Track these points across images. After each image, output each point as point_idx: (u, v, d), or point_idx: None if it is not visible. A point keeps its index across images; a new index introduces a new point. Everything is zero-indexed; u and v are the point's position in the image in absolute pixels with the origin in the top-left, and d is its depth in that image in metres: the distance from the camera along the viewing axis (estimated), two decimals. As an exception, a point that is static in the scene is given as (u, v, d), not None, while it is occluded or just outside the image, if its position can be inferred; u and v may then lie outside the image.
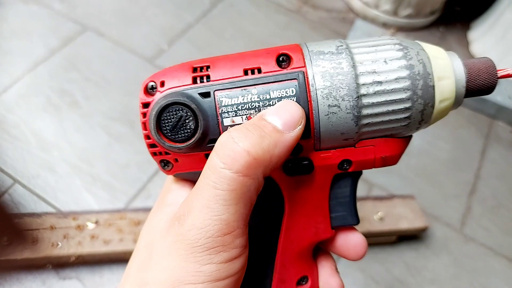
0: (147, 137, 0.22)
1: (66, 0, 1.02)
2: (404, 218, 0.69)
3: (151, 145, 0.23)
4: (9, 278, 0.64)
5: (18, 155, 0.76)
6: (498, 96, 0.90)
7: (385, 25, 1.07)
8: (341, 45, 0.22)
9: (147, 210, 0.67)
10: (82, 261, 0.64)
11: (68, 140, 0.79)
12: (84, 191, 0.73)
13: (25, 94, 0.85)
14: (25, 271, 0.65)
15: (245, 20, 1.05)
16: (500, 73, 0.22)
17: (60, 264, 0.65)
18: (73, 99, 0.85)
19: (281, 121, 0.20)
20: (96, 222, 0.65)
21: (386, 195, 0.77)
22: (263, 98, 0.21)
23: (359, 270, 0.70)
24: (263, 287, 0.26)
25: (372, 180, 0.80)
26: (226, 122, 0.21)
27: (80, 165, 0.76)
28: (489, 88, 0.22)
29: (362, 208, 0.69)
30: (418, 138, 0.88)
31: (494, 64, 0.22)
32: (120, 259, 0.65)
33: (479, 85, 0.22)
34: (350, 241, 0.27)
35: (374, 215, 0.68)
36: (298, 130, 0.20)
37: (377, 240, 0.71)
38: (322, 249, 0.28)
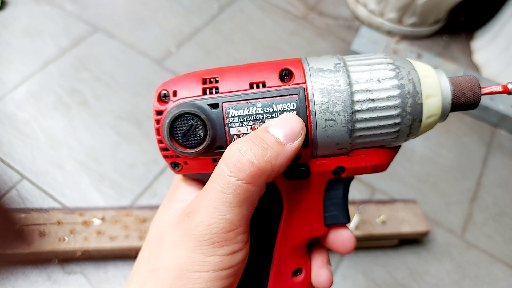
0: (160, 141, 0.24)
1: (78, 1, 1.04)
2: (406, 222, 0.70)
3: (163, 149, 0.24)
4: (15, 272, 0.65)
5: (27, 152, 0.78)
6: (500, 105, 0.91)
7: (389, 33, 1.09)
8: (339, 63, 0.23)
9: (153, 207, 0.68)
10: (88, 257, 0.65)
11: (77, 138, 0.80)
12: (92, 189, 0.74)
13: (35, 92, 0.86)
14: (31, 265, 0.66)
15: (253, 25, 1.07)
16: (484, 91, 0.24)
17: (66, 259, 0.66)
18: (83, 98, 0.86)
19: (282, 133, 0.22)
20: (103, 219, 0.66)
21: (388, 199, 0.78)
22: (267, 111, 0.23)
23: (360, 273, 0.70)
24: (262, 277, 0.28)
25: (374, 184, 0.80)
26: (233, 131, 0.23)
27: (88, 163, 0.77)
28: (474, 104, 0.24)
29: (365, 211, 0.70)
30: (421, 145, 0.89)
31: (478, 82, 0.23)
32: (125, 255, 0.66)
33: (464, 102, 0.24)
34: (340, 237, 0.29)
35: (377, 218, 0.69)
36: (298, 141, 0.22)
37: (379, 244, 0.72)
38: (317, 242, 0.30)
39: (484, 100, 0.92)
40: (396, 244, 0.73)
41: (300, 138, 0.22)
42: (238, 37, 1.04)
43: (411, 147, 0.88)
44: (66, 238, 0.63)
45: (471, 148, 0.90)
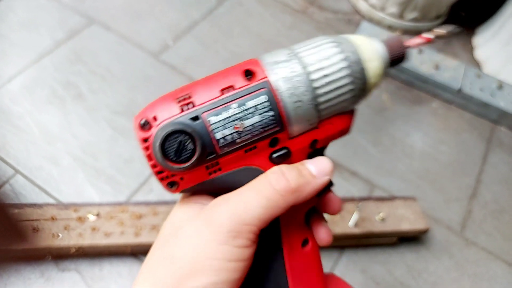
0: (154, 166, 0.26)
1: (73, -7, 1.02)
2: (406, 219, 0.69)
3: (158, 172, 0.26)
4: (7, 269, 0.64)
5: (21, 146, 0.76)
6: (501, 101, 0.90)
7: (390, 28, 1.08)
8: (290, 52, 0.27)
9: (149, 204, 0.67)
10: (82, 253, 0.64)
11: (73, 132, 0.79)
12: (87, 184, 0.73)
13: (30, 86, 0.85)
14: (24, 262, 0.65)
15: (252, 19, 1.05)
16: (408, 43, 0.29)
17: (60, 256, 0.65)
18: (78, 91, 0.85)
19: (316, 169, 0.27)
20: (97, 215, 0.65)
21: (388, 196, 0.77)
22: (243, 109, 0.25)
23: (359, 270, 0.70)
24: (277, 256, 0.30)
25: (374, 181, 0.80)
26: (218, 135, 0.25)
27: (84, 158, 0.76)
28: (402, 56, 0.29)
29: (364, 209, 0.69)
30: (421, 141, 0.88)
31: (402, 40, 0.29)
32: (121, 252, 0.65)
33: (395, 57, 0.29)
34: (330, 201, 0.33)
35: (376, 216, 0.68)
36: (326, 178, 0.27)
37: (378, 241, 0.71)
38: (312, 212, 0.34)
39: (484, 96, 0.91)
40: (395, 242, 0.72)
41: (329, 177, 0.27)
42: (236, 31, 1.02)
43: (411, 144, 0.87)
44: (60, 234, 0.62)
45: (471, 145, 0.89)
